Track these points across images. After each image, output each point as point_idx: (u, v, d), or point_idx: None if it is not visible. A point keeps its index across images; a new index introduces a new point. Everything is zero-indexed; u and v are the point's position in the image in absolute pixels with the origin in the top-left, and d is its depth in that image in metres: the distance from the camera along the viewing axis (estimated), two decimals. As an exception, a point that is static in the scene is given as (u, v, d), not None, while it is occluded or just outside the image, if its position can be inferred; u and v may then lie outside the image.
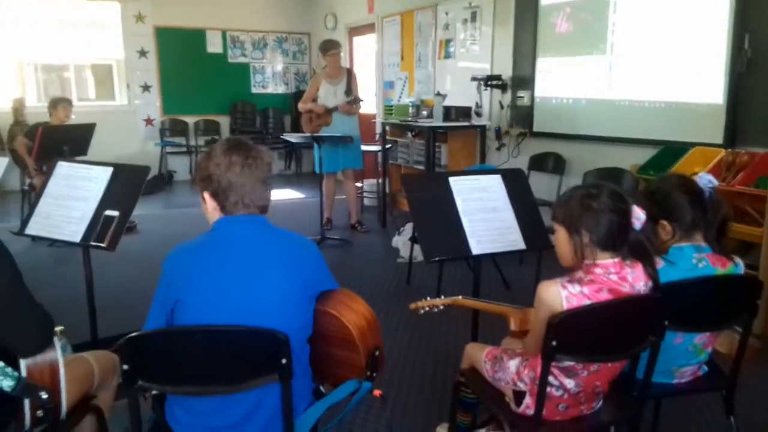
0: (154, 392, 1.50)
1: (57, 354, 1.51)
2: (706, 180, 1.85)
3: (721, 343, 2.01)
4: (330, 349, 1.59)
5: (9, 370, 1.43)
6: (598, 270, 1.59)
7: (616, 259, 1.60)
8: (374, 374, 1.56)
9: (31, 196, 5.15)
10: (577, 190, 1.67)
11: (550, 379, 1.61)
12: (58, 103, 5.53)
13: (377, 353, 1.55)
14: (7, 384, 1.42)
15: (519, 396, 1.72)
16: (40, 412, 1.48)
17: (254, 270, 1.48)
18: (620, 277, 1.59)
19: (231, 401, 1.47)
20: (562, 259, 1.68)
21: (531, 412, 1.65)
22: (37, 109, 6.87)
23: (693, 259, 1.81)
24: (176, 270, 1.52)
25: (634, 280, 1.60)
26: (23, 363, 1.46)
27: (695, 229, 1.83)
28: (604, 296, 1.56)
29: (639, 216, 1.59)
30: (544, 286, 1.58)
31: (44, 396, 1.47)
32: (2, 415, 1.49)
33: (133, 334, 1.36)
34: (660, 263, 1.79)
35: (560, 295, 1.54)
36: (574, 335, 1.51)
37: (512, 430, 1.66)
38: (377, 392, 1.57)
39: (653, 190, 1.89)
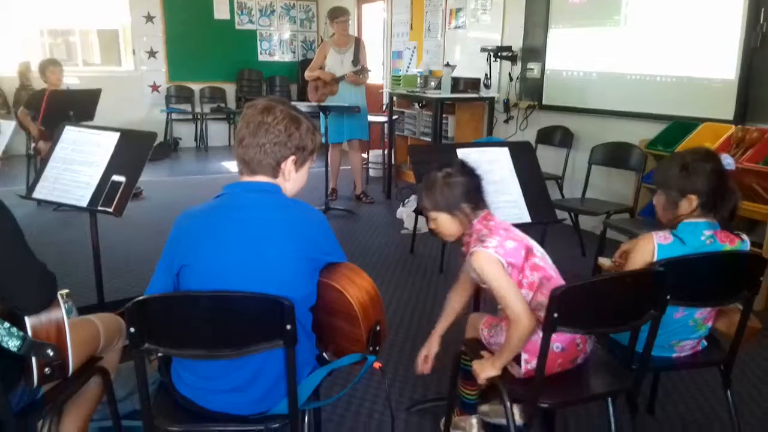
0: (160, 354, 1.52)
1: (62, 313, 1.53)
2: (728, 161, 1.88)
3: (720, 321, 2.02)
4: (332, 320, 1.61)
5: (14, 330, 1.45)
6: (491, 223, 1.80)
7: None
8: (377, 348, 1.57)
9: (36, 161, 5.17)
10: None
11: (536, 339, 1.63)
12: (46, 67, 5.47)
13: (378, 328, 1.56)
14: (14, 344, 1.44)
15: (516, 357, 1.75)
16: (47, 370, 1.51)
17: (258, 237, 1.48)
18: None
19: (236, 364, 1.49)
20: (447, 237, 1.86)
21: (532, 365, 1.68)
22: (43, 73, 6.84)
23: (702, 236, 1.83)
24: (182, 234, 1.53)
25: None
26: (28, 322, 1.48)
27: (712, 207, 1.85)
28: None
29: None
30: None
31: (50, 353, 1.49)
32: (11, 374, 1.52)
33: (141, 298, 1.38)
34: (669, 239, 1.81)
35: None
36: (576, 308, 1.52)
37: (510, 398, 1.68)
38: (377, 365, 1.59)
39: (687, 162, 1.86)
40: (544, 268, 1.77)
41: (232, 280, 1.46)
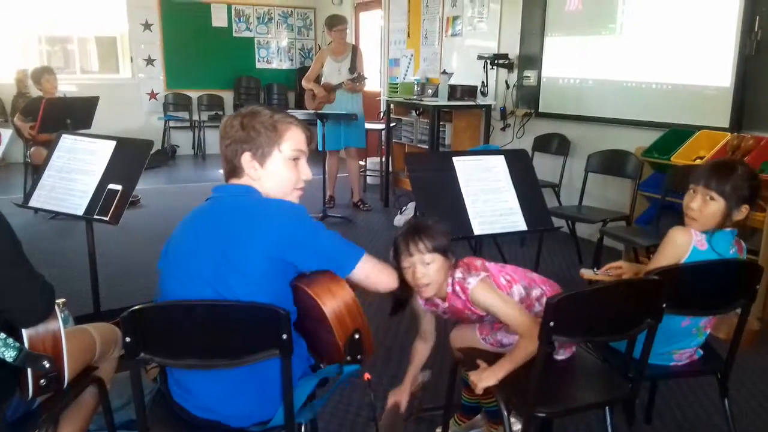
0: (154, 365, 1.52)
1: (59, 324, 1.52)
2: None
3: (719, 328, 2.02)
4: (316, 329, 1.58)
5: (10, 340, 1.44)
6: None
7: None
8: (358, 357, 1.52)
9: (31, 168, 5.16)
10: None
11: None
12: (41, 75, 5.47)
13: (357, 336, 1.50)
14: (9, 354, 1.43)
15: None
16: (43, 381, 1.50)
17: (223, 240, 1.46)
18: None
19: (220, 375, 1.49)
20: (429, 289, 1.78)
21: None
22: (40, 80, 6.83)
23: (731, 248, 1.87)
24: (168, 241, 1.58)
25: None
26: (25, 333, 1.47)
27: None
28: None
29: None
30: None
31: (46, 364, 1.48)
32: (6, 385, 1.51)
33: (136, 307, 1.37)
34: (704, 245, 1.83)
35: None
36: (572, 316, 1.52)
37: (507, 406, 1.68)
38: (367, 376, 1.57)
39: (755, 174, 1.89)
40: (521, 274, 1.84)
41: (195, 283, 1.46)
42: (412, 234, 1.73)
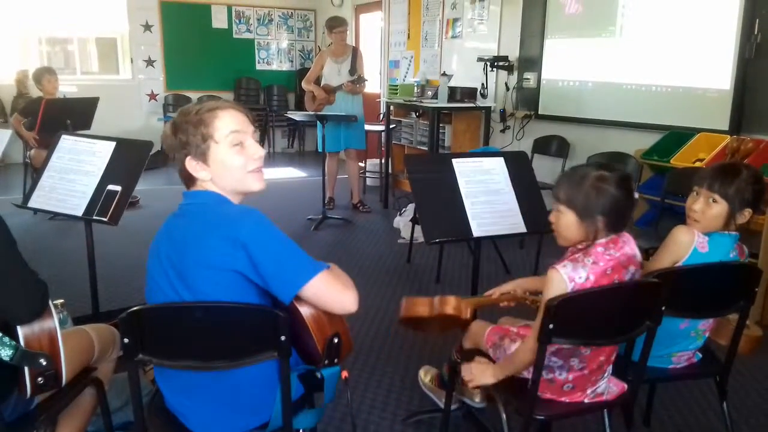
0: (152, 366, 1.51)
1: (54, 322, 1.52)
2: None
3: (719, 333, 2.02)
4: (301, 334, 1.58)
5: (6, 339, 1.44)
6: (599, 249, 1.61)
7: (611, 236, 1.63)
8: (335, 360, 1.48)
9: (32, 170, 5.16)
10: (584, 170, 1.65)
11: (555, 359, 1.63)
12: (42, 76, 5.46)
13: (336, 340, 1.46)
14: (6, 353, 1.43)
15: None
16: (40, 380, 1.50)
17: (180, 251, 1.43)
18: (618, 248, 1.62)
19: (209, 378, 1.48)
20: (563, 240, 1.69)
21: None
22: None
23: (731, 251, 1.86)
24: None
25: (632, 247, 1.66)
26: (21, 332, 1.47)
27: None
28: (609, 277, 1.58)
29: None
30: (553, 272, 1.57)
31: (43, 362, 1.48)
32: (4, 384, 1.51)
33: (135, 308, 1.37)
34: (705, 248, 1.83)
35: (565, 282, 1.55)
36: (571, 319, 1.52)
37: (506, 407, 1.68)
38: (344, 374, 1.56)
39: (759, 177, 1.86)
40: None
41: (161, 295, 1.45)
42: (564, 178, 1.66)
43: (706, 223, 1.86)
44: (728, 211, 1.83)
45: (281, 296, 1.40)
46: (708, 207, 1.85)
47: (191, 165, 1.49)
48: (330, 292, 1.41)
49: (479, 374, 1.73)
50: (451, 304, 1.84)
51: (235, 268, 1.37)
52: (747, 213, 1.85)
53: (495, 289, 2.02)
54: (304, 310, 1.44)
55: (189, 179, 1.54)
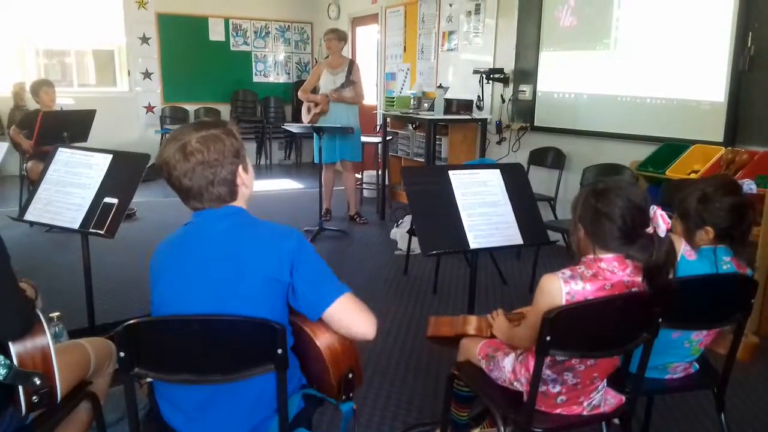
0: (149, 380, 1.50)
1: (47, 339, 1.51)
2: (750, 187, 1.86)
3: (719, 343, 2.02)
4: (307, 360, 1.57)
5: (0, 358, 1.43)
6: (602, 264, 1.59)
7: (620, 254, 1.60)
8: (350, 395, 1.51)
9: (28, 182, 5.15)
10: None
11: (549, 373, 1.63)
12: (39, 88, 5.45)
13: (351, 375, 1.48)
14: (-1, 373, 1.42)
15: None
16: (35, 398, 1.49)
17: (217, 264, 1.43)
18: (622, 269, 1.60)
19: (207, 392, 1.47)
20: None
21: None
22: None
23: (723, 262, 1.84)
24: (153, 264, 1.52)
25: (636, 273, 1.61)
26: (13, 350, 1.46)
27: (730, 238, 1.84)
28: (607, 292, 1.57)
29: (661, 226, 1.61)
30: (547, 280, 1.58)
31: (37, 381, 1.47)
32: (-1, 401, 1.50)
33: (131, 322, 1.36)
34: (693, 256, 1.83)
35: (561, 291, 1.55)
36: (568, 331, 1.52)
37: (506, 425, 1.67)
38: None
39: (707, 194, 1.82)
40: None
41: (191, 307, 1.42)
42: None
43: (684, 239, 1.86)
44: (682, 226, 1.85)
45: (310, 313, 1.45)
46: (675, 223, 1.85)
47: (243, 175, 1.48)
48: (354, 314, 1.47)
49: (496, 326, 1.90)
50: (472, 324, 1.99)
51: (281, 279, 1.43)
52: (707, 230, 1.81)
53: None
54: (321, 342, 1.46)
55: (230, 194, 1.47)
